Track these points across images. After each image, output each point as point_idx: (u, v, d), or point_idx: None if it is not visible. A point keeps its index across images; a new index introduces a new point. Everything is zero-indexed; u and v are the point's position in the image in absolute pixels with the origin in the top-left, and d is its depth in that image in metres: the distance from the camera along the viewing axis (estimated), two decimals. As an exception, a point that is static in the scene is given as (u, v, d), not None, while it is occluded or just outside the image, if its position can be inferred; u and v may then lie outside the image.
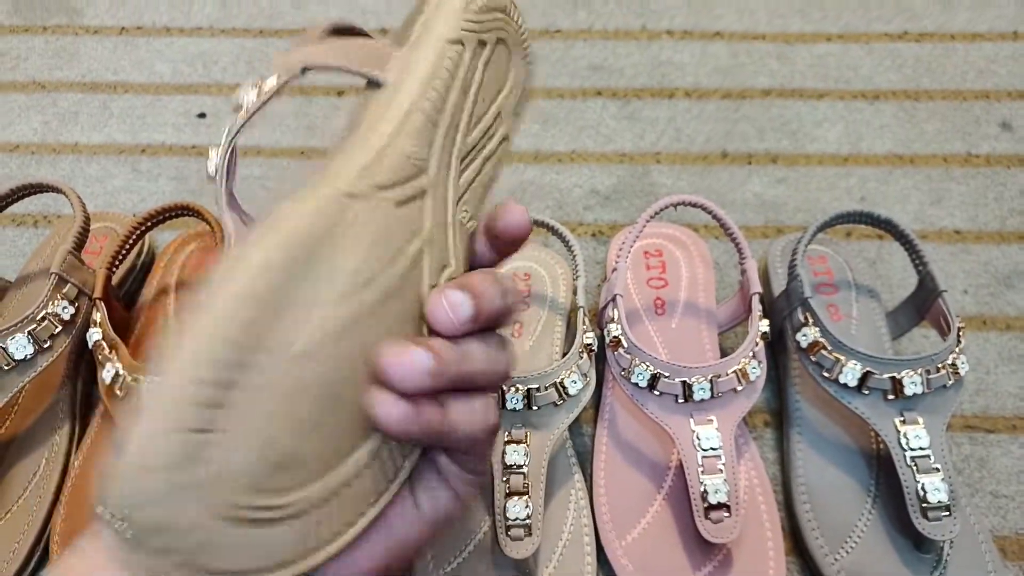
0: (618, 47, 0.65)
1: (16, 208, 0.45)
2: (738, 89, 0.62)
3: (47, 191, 0.44)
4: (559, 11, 0.67)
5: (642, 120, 0.60)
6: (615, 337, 0.41)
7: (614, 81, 0.62)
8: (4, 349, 0.38)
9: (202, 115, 0.61)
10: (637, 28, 0.66)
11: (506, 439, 0.39)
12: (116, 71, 0.63)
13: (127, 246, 0.43)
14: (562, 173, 0.57)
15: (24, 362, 0.38)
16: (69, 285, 0.40)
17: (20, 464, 0.40)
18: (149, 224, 0.44)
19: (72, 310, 0.40)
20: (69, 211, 0.53)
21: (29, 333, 0.38)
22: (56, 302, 0.40)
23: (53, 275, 0.40)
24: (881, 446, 0.42)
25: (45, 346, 0.39)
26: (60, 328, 0.40)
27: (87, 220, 0.43)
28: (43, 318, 0.39)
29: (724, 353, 0.47)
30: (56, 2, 0.68)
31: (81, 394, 0.43)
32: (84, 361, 0.44)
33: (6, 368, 0.38)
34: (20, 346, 0.38)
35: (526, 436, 0.39)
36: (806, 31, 0.66)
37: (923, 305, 0.44)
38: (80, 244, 0.42)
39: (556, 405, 0.39)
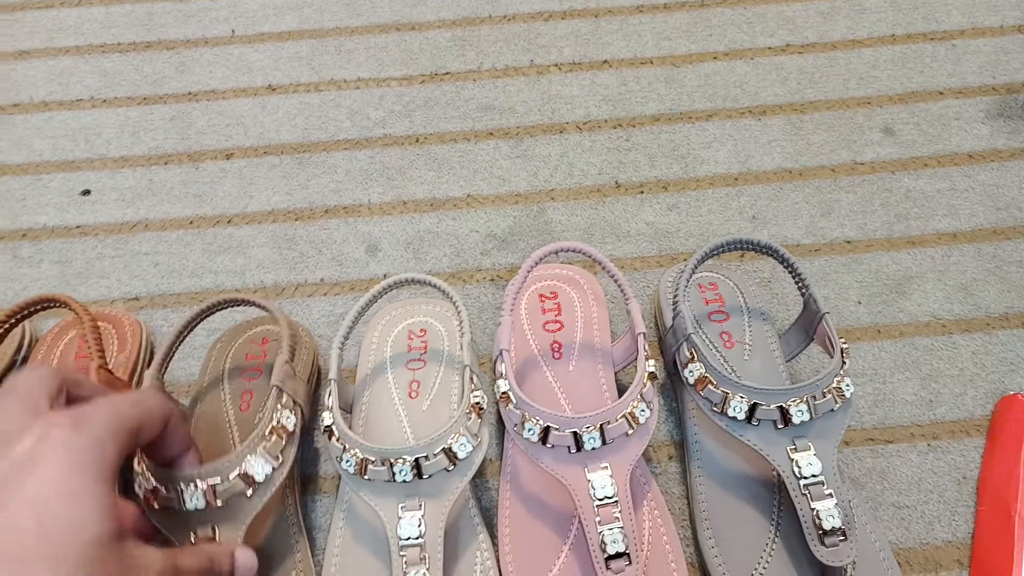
0: (508, 85, 0.65)
1: None
2: (628, 117, 0.62)
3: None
4: (447, 53, 0.67)
5: (535, 158, 0.60)
6: (504, 393, 0.41)
7: (506, 120, 0.63)
8: None
9: (86, 192, 0.59)
10: (526, 64, 0.66)
11: (400, 511, 0.38)
12: (-8, 154, 0.61)
13: None
14: (458, 219, 0.57)
15: None
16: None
17: None
18: (14, 320, 0.42)
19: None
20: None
21: None
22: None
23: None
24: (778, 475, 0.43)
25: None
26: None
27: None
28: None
29: (621, 390, 0.47)
30: (-71, 84, 0.65)
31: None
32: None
33: None
34: None
35: (420, 506, 0.38)
36: (692, 51, 0.67)
37: (809, 326, 0.45)
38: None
39: (448, 471, 0.39)
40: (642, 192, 0.58)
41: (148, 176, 0.60)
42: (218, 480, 0.36)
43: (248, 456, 0.37)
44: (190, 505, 0.35)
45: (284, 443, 0.38)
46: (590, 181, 0.59)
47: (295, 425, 0.40)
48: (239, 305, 0.43)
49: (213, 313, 0.43)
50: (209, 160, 0.61)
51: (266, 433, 0.38)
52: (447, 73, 0.66)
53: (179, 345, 0.41)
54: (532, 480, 0.43)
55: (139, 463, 0.37)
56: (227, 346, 0.48)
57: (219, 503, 0.35)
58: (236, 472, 0.36)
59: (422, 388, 0.46)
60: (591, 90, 0.64)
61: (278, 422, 0.39)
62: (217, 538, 0.36)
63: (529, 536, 0.41)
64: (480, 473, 0.45)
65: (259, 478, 0.37)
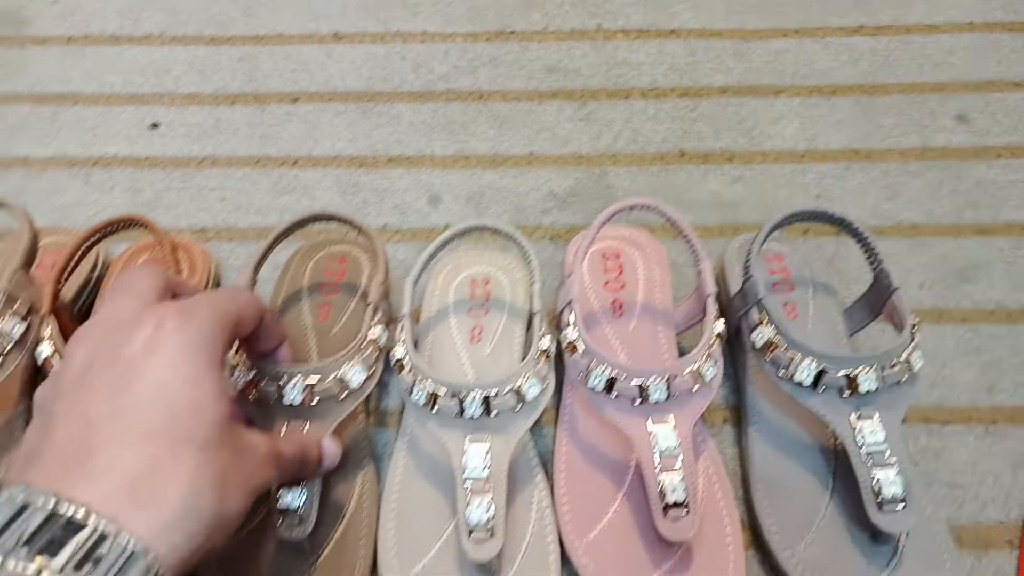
0: (574, 48, 0.64)
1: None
2: (695, 88, 0.62)
3: (-14, 208, 0.43)
4: (514, 13, 0.67)
5: (598, 121, 0.60)
6: (571, 342, 0.41)
7: (570, 82, 0.62)
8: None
9: (155, 125, 0.60)
10: (592, 28, 0.66)
11: (467, 444, 0.38)
12: (65, 82, 0.62)
13: (74, 260, 0.42)
14: (519, 177, 0.57)
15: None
16: (19, 302, 0.40)
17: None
18: (95, 238, 0.43)
19: (23, 327, 0.40)
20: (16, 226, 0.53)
21: (-23, 353, 0.38)
22: (6, 320, 0.39)
23: (2, 293, 0.39)
24: (838, 441, 0.43)
25: (-5, 365, 0.38)
26: (11, 345, 0.39)
27: (35, 236, 0.42)
28: (-9, 337, 0.38)
29: (682, 353, 0.47)
30: (1, 13, 0.66)
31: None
32: (40, 378, 0.43)
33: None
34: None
35: (487, 441, 0.39)
36: (762, 27, 0.66)
37: (878, 302, 0.44)
38: (29, 261, 0.41)
39: (515, 410, 0.39)
40: (706, 162, 0.58)
41: (215, 115, 0.61)
42: (318, 379, 0.37)
43: (346, 363, 0.39)
44: (288, 399, 0.37)
45: (376, 356, 0.40)
46: (654, 148, 0.59)
47: (385, 342, 0.41)
48: (338, 221, 0.44)
49: (310, 224, 0.44)
50: (275, 103, 0.61)
51: (362, 345, 0.39)
52: (512, 32, 0.66)
53: (272, 251, 0.43)
54: (589, 430, 0.44)
55: (236, 355, 0.38)
56: (304, 261, 0.50)
57: (314, 402, 0.37)
58: (335, 375, 0.38)
59: (484, 334, 0.47)
60: (658, 58, 0.64)
61: (374, 337, 0.40)
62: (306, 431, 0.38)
63: (584, 482, 0.42)
64: (536, 420, 0.46)
65: (353, 384, 0.38)
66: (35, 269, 0.44)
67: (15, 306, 0.40)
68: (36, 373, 0.43)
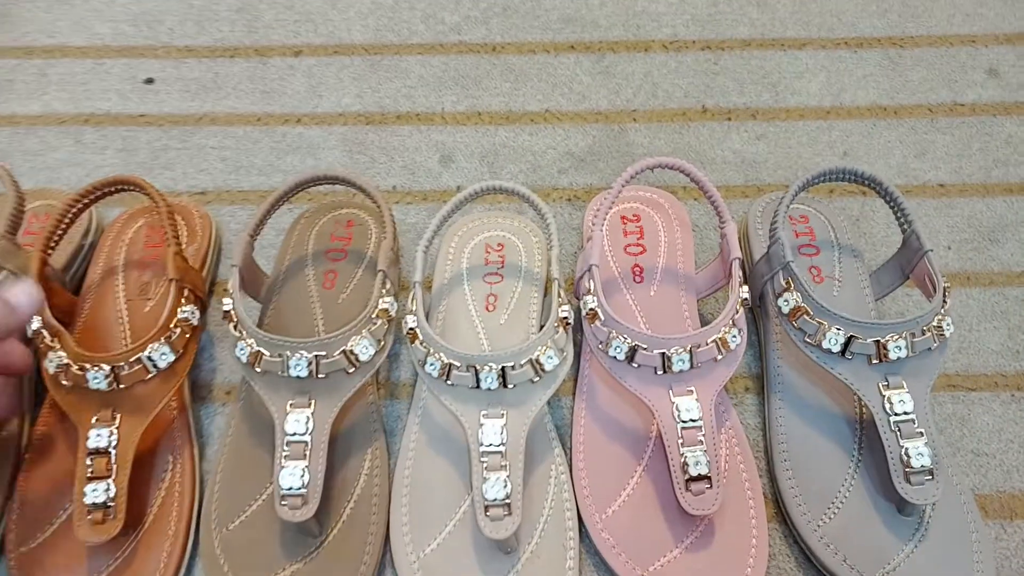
0: (591, -3, 0.61)
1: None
2: (717, 40, 0.59)
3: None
4: (528, -42, 0.63)
5: (617, 75, 0.57)
6: (591, 309, 0.39)
7: (588, 34, 0.59)
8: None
9: (149, 80, 0.57)
10: (610, -25, 0.62)
11: (482, 418, 0.37)
12: (52, 34, 0.59)
13: (63, 225, 0.40)
14: (535, 135, 0.55)
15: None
16: (5, 272, 0.38)
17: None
18: (86, 201, 0.41)
19: (13, 297, 0.37)
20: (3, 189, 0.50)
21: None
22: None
23: (-11, 263, 0.37)
24: (864, 411, 0.42)
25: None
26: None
27: (22, 200, 0.40)
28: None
29: (703, 320, 0.45)
30: (-15, -42, 0.63)
31: (34, 384, 0.41)
32: (32, 350, 0.41)
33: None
34: (-43, 339, 0.35)
35: (503, 415, 0.37)
36: (787, -25, 0.63)
37: (908, 264, 0.43)
38: (15, 227, 0.39)
39: (532, 382, 0.38)
40: (729, 119, 0.55)
41: (214, 69, 0.58)
42: (324, 353, 0.36)
43: (354, 336, 0.37)
44: (293, 372, 0.36)
45: (387, 328, 0.39)
46: (675, 103, 0.56)
47: (396, 312, 0.40)
48: (342, 184, 0.42)
49: (312, 186, 0.42)
50: (277, 56, 0.58)
51: (372, 316, 0.38)
52: (526, -20, 0.62)
53: (271, 214, 0.41)
54: (608, 401, 0.42)
55: (236, 329, 0.37)
56: (309, 225, 0.48)
57: (321, 375, 0.36)
58: (341, 348, 0.36)
59: (499, 302, 0.45)
60: (679, 8, 0.61)
61: (384, 307, 0.38)
62: (313, 408, 0.36)
63: (603, 455, 0.41)
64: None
65: (363, 358, 0.37)
66: (22, 235, 0.42)
67: (0, 276, 0.38)
68: (29, 346, 0.42)
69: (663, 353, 0.38)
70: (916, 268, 0.42)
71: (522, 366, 0.37)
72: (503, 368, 0.37)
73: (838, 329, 0.38)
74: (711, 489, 0.37)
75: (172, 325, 0.38)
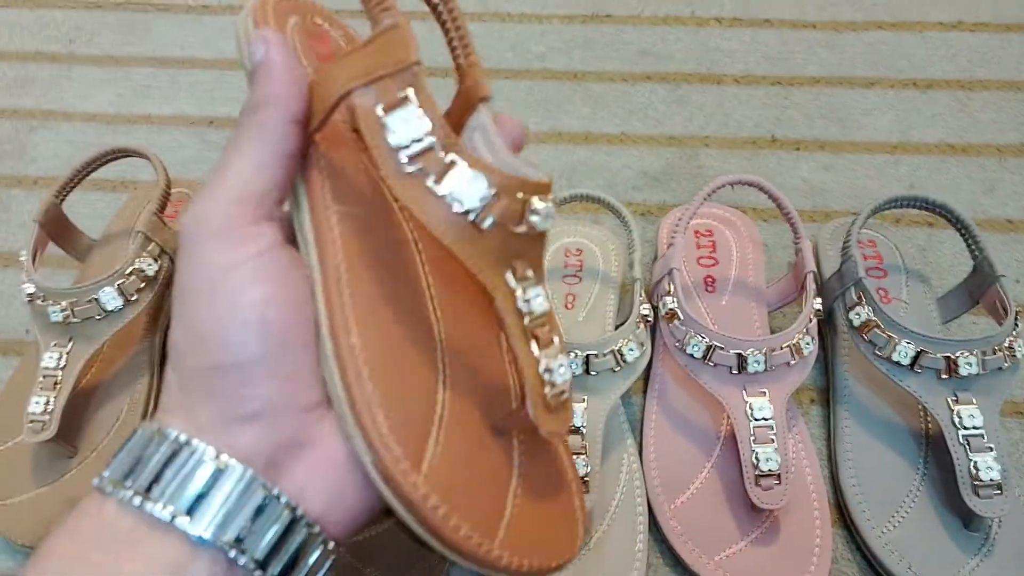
0: (667, 33, 0.65)
1: (96, 173, 0.48)
2: (787, 76, 0.62)
3: (132, 156, 0.46)
4: (611, -3, 0.68)
5: (691, 104, 0.61)
6: (671, 309, 0.42)
7: (663, 66, 0.63)
8: (97, 300, 0.40)
9: (265, 91, 0.63)
10: (687, 15, 0.67)
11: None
12: (184, 47, 0.65)
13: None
14: (612, 155, 0.59)
15: (113, 313, 0.41)
16: (153, 244, 0.43)
17: (104, 409, 0.43)
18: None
19: (156, 267, 0.43)
20: (142, 178, 0.56)
21: (118, 286, 0.41)
22: (142, 259, 0.42)
23: (139, 234, 0.42)
24: (930, 425, 0.43)
25: (132, 299, 0.41)
26: (144, 284, 0.42)
27: (169, 184, 0.45)
28: (131, 273, 0.41)
29: (773, 332, 0.48)
30: (125, -19, 0.70)
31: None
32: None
33: (97, 318, 0.40)
34: (110, 298, 0.40)
35: (584, 400, 0.40)
36: (857, 19, 0.66)
37: (977, 290, 0.44)
38: (163, 206, 0.44)
39: (613, 371, 0.41)
40: (798, 149, 0.58)
41: (320, 83, 0.63)
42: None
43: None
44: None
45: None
46: (746, 132, 0.59)
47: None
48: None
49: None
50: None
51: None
52: (608, 16, 0.67)
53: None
54: (679, 400, 0.45)
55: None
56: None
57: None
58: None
59: (578, 301, 0.48)
60: (751, 46, 0.64)
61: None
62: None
63: (673, 451, 0.43)
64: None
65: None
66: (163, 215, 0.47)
67: (149, 247, 0.43)
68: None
69: (739, 354, 0.40)
70: (987, 294, 0.44)
71: (605, 355, 0.40)
72: (588, 356, 0.40)
73: (908, 343, 0.40)
74: (779, 485, 0.39)
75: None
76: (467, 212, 0.22)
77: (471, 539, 0.21)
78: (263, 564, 0.21)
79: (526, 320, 0.23)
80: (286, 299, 0.22)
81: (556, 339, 0.23)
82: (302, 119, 0.24)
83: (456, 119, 0.27)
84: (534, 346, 0.23)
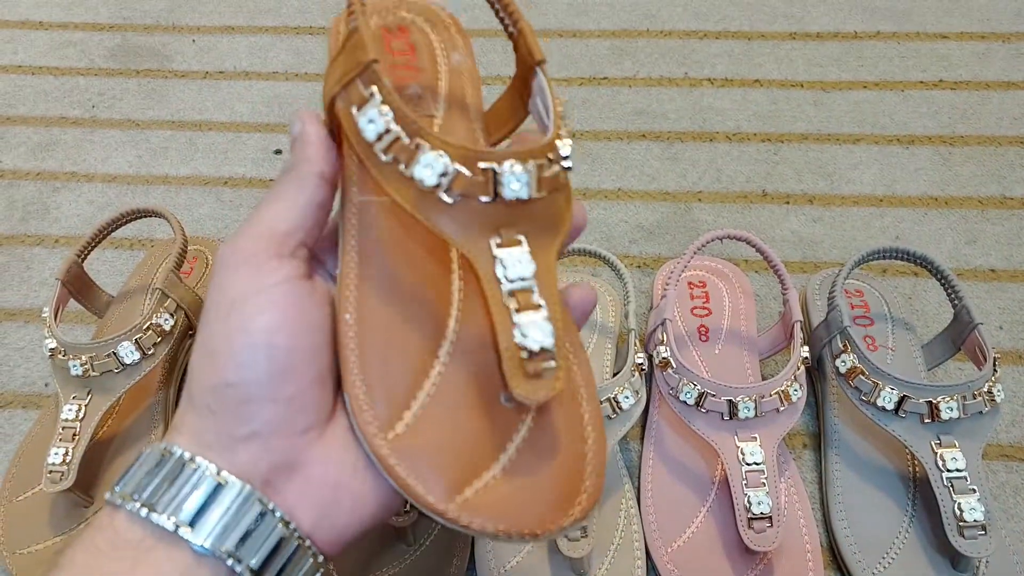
0: (661, 93, 0.69)
1: (115, 232, 0.50)
2: (776, 133, 0.66)
3: (150, 216, 0.49)
4: (605, 60, 0.72)
5: (684, 161, 0.64)
6: (664, 358, 0.44)
7: (658, 125, 0.67)
8: (115, 354, 0.42)
9: (278, 151, 0.66)
10: (680, 76, 0.70)
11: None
12: (201, 111, 0.69)
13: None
14: (608, 209, 0.61)
15: (131, 366, 0.43)
16: (170, 300, 0.45)
17: (120, 460, 0.44)
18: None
19: (172, 321, 0.45)
20: (159, 235, 0.59)
21: (136, 341, 0.43)
22: (159, 314, 0.44)
23: (157, 291, 0.45)
24: (917, 468, 0.44)
25: (148, 353, 0.43)
26: (161, 338, 0.44)
27: (186, 241, 0.48)
28: (148, 328, 0.43)
29: (764, 379, 0.49)
30: (148, 49, 0.75)
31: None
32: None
33: (116, 371, 0.43)
34: (128, 352, 0.42)
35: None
36: (843, 79, 0.69)
37: (959, 337, 0.46)
38: (180, 263, 0.47)
39: (610, 418, 0.42)
40: (788, 202, 0.61)
41: (331, 143, 0.67)
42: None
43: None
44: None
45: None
46: (737, 187, 0.62)
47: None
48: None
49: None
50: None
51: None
52: (604, 78, 0.71)
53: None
54: (675, 446, 0.46)
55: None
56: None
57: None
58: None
59: (577, 351, 0.50)
60: (742, 105, 0.68)
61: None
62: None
63: (669, 496, 0.44)
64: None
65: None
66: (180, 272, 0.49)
67: (166, 303, 0.45)
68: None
69: (730, 400, 0.42)
70: (967, 341, 0.46)
71: (601, 403, 0.42)
72: (584, 404, 0.42)
73: (892, 388, 0.42)
74: (772, 528, 0.40)
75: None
76: (433, 188, 0.23)
77: (427, 497, 0.22)
78: (258, 573, 0.23)
79: (505, 286, 0.23)
80: (295, 328, 0.24)
81: (542, 303, 0.23)
82: (330, 178, 0.27)
83: (520, 84, 0.29)
84: (515, 314, 0.23)
